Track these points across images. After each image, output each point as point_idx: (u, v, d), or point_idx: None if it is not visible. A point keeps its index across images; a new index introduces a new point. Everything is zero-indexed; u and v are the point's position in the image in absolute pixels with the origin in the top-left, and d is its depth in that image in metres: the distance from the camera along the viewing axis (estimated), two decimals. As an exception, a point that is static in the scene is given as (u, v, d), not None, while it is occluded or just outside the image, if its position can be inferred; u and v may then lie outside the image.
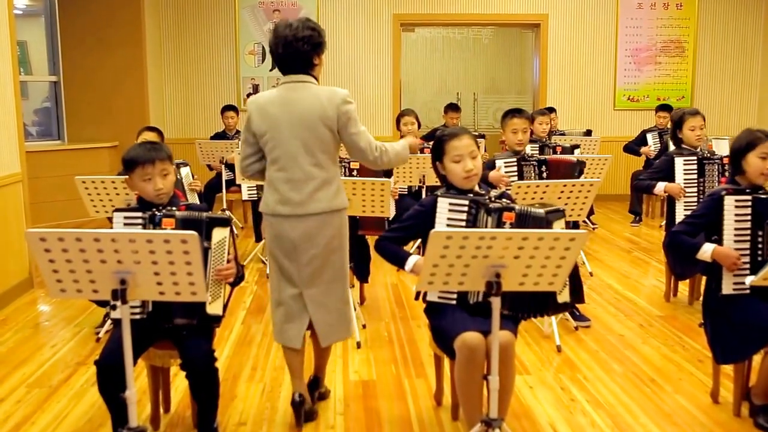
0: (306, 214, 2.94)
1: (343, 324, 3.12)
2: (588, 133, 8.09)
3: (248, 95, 9.04)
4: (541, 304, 2.77)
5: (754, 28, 9.34)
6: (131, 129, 7.81)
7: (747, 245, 3.07)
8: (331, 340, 3.13)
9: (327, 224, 2.96)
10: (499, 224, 2.74)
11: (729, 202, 3.08)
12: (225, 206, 6.83)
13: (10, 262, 5.09)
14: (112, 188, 4.13)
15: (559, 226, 2.70)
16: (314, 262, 2.98)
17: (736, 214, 3.08)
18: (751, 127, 3.26)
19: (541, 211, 2.72)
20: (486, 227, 2.75)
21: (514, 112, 4.44)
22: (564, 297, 2.78)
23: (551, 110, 8.06)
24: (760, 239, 3.06)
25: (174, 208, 2.80)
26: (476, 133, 6.68)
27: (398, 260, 2.89)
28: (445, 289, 2.72)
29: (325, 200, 2.96)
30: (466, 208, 2.80)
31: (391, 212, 4.25)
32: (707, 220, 3.16)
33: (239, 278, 2.89)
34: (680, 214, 4.37)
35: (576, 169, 4.38)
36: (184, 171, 4.97)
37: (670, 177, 4.56)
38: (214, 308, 2.78)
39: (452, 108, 7.96)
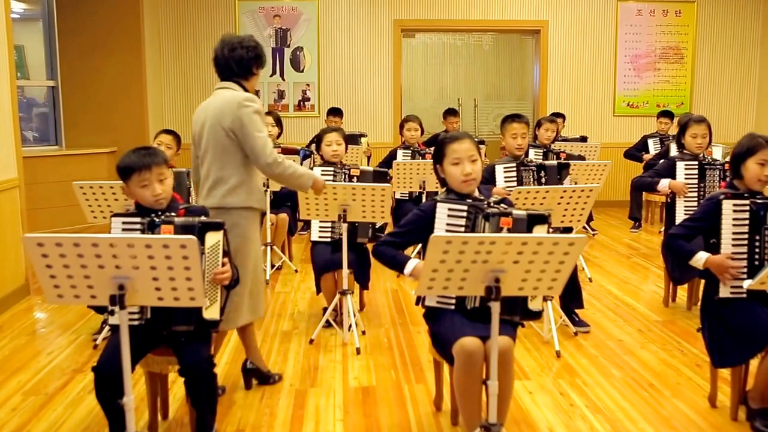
0: (207, 206, 3.23)
1: (235, 313, 3.31)
2: (583, 138, 8.08)
3: (248, 101, 9.06)
4: (510, 308, 2.73)
5: (752, 35, 9.37)
6: (130, 135, 7.87)
7: (744, 249, 3.07)
8: (225, 327, 3.33)
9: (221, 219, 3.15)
10: (497, 229, 2.74)
11: (727, 206, 3.08)
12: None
13: (7, 269, 5.08)
14: (111, 194, 4.12)
15: (540, 231, 2.69)
16: None
17: (734, 219, 3.08)
18: (753, 133, 3.26)
19: (523, 213, 2.72)
20: (484, 232, 2.74)
21: (514, 117, 4.45)
22: (536, 305, 2.77)
23: (560, 116, 8.09)
24: (757, 243, 3.06)
25: (173, 214, 2.79)
26: (476, 139, 6.70)
27: (397, 264, 2.88)
28: (444, 294, 2.71)
29: (216, 197, 3.26)
30: (465, 214, 2.80)
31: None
32: (705, 224, 3.17)
33: (235, 281, 2.89)
34: (680, 220, 4.36)
35: (558, 172, 4.40)
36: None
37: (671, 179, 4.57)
38: (210, 313, 2.77)
39: (450, 113, 7.98)
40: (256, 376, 3.57)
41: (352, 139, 6.99)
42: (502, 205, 2.82)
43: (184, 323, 2.75)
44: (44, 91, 8.00)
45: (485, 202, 2.82)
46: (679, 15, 9.26)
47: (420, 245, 5.45)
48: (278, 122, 6.49)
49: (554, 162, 4.51)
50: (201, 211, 2.93)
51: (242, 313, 3.37)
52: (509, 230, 2.72)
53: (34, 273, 2.21)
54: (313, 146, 6.04)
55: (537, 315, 2.82)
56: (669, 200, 4.65)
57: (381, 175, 4.57)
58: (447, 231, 2.79)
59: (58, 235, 2.09)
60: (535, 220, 2.71)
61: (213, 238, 2.75)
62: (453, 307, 2.80)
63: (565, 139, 7.82)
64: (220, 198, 3.26)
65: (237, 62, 3.38)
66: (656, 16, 9.26)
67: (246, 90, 3.40)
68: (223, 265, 2.78)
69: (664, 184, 4.52)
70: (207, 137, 3.30)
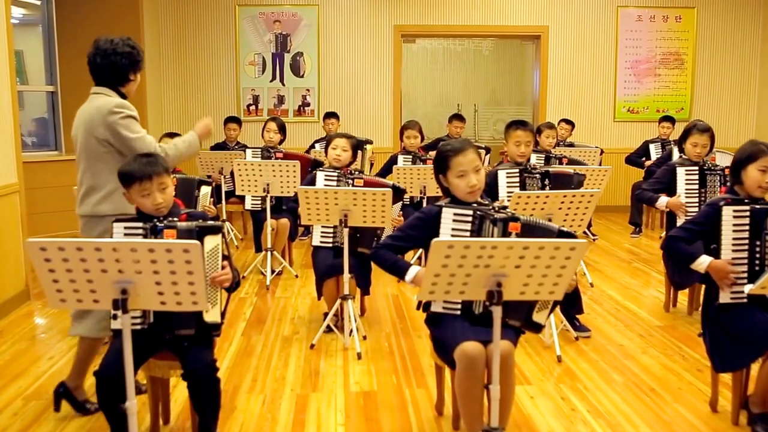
0: (78, 215, 3.27)
1: (86, 320, 3.23)
2: (570, 144, 8.01)
3: (248, 106, 9.08)
4: (516, 312, 2.76)
5: (752, 40, 9.38)
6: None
7: (745, 255, 3.08)
8: (73, 331, 3.29)
9: (92, 228, 3.20)
10: (505, 234, 2.75)
11: (727, 212, 3.09)
12: (225, 217, 6.84)
13: (7, 274, 5.07)
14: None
15: None
16: None
17: (735, 224, 3.09)
18: (755, 140, 3.27)
19: (555, 226, 2.74)
20: (492, 237, 2.75)
21: (518, 124, 4.39)
22: (540, 318, 2.78)
23: (569, 122, 8.09)
24: (757, 249, 3.07)
25: (175, 219, 2.80)
26: (482, 147, 6.70)
27: (398, 270, 2.85)
28: (446, 299, 2.72)
29: (89, 205, 3.22)
30: (470, 218, 2.80)
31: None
32: (705, 229, 3.18)
33: (235, 284, 2.88)
34: (680, 222, 4.38)
35: (574, 182, 4.37)
36: (204, 190, 4.88)
37: (671, 186, 4.58)
38: (211, 316, 2.77)
39: (457, 118, 7.96)
40: (69, 399, 3.34)
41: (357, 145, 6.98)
42: (507, 210, 2.83)
43: (186, 327, 2.75)
44: (43, 96, 8.01)
45: (491, 207, 2.82)
46: (679, 21, 9.28)
47: (420, 250, 5.50)
48: (282, 129, 6.50)
49: (570, 171, 4.47)
50: (202, 215, 2.93)
51: (94, 324, 3.23)
52: (518, 235, 2.72)
53: (35, 278, 2.21)
54: (319, 146, 6.04)
55: (539, 328, 2.83)
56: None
57: (398, 192, 4.39)
58: (452, 236, 2.79)
59: (61, 239, 2.09)
60: (563, 234, 2.72)
61: (212, 241, 2.75)
62: (459, 312, 2.80)
63: (572, 145, 7.82)
64: (92, 206, 3.20)
65: (110, 69, 3.25)
66: (656, 21, 9.28)
67: (123, 95, 3.32)
68: (223, 267, 2.78)
69: (662, 202, 4.53)
70: (81, 145, 3.24)
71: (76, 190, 3.30)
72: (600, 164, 7.19)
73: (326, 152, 4.70)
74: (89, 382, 3.61)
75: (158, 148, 3.21)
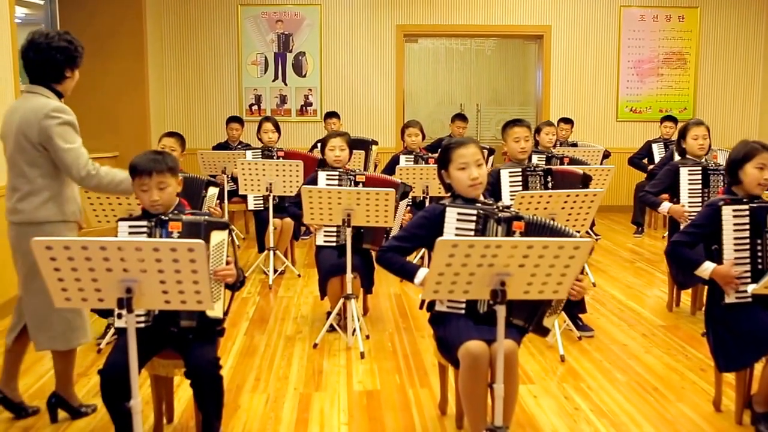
0: (12, 222, 3.08)
1: (48, 333, 3.10)
2: (573, 144, 8.03)
3: (250, 106, 9.09)
4: (522, 312, 2.79)
5: (756, 40, 9.37)
6: (132, 140, 7.88)
7: (747, 254, 3.08)
8: (39, 347, 3.17)
9: (29, 235, 2.78)
10: (509, 233, 2.75)
11: (727, 212, 3.10)
12: (227, 217, 6.84)
13: (10, 273, 5.06)
14: (115, 198, 4.14)
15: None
16: (21, 270, 3.11)
17: (735, 224, 3.09)
18: (747, 139, 3.30)
19: (560, 225, 2.76)
20: (496, 236, 2.75)
21: (515, 122, 4.44)
22: (549, 323, 2.79)
23: (568, 121, 8.09)
24: (759, 248, 3.07)
25: (180, 214, 2.82)
26: (486, 147, 6.70)
27: (406, 273, 2.85)
28: (450, 298, 2.72)
29: (26, 212, 3.02)
30: (474, 218, 2.80)
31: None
32: (707, 230, 3.18)
33: (240, 283, 2.89)
34: (683, 226, 4.37)
35: (580, 182, 4.38)
36: (212, 191, 4.80)
37: (674, 187, 4.58)
38: (213, 311, 2.78)
39: (459, 117, 7.96)
40: (65, 408, 3.27)
41: (361, 144, 6.99)
42: (511, 210, 2.83)
43: (188, 319, 2.77)
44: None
45: (495, 207, 2.83)
46: (682, 20, 9.28)
47: (423, 250, 5.50)
48: (276, 127, 6.50)
49: (578, 171, 4.47)
50: (206, 214, 2.94)
51: (58, 335, 3.12)
52: (522, 234, 2.73)
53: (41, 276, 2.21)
54: (318, 149, 6.05)
55: (546, 332, 2.85)
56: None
57: (404, 191, 4.37)
58: (456, 235, 2.79)
59: (66, 238, 2.10)
60: (566, 233, 2.75)
61: (218, 236, 2.77)
62: (463, 311, 2.80)
63: (575, 144, 7.82)
64: (30, 212, 3.01)
65: (45, 65, 3.01)
66: (659, 21, 9.27)
67: (59, 93, 3.09)
68: (228, 263, 2.79)
69: (664, 207, 4.53)
70: (13, 147, 3.03)
71: (8, 194, 3.08)
72: (601, 163, 7.19)
73: (323, 153, 4.69)
74: (93, 381, 3.62)
75: (89, 165, 3.00)
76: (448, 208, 2.84)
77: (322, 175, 4.56)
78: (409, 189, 4.45)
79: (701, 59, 9.36)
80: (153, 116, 8.39)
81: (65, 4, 7.86)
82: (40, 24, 7.99)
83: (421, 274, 2.78)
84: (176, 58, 8.98)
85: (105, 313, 3.83)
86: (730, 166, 3.23)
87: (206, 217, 2.80)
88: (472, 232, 2.79)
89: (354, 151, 6.75)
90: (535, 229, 2.77)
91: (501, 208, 2.82)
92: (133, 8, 8.08)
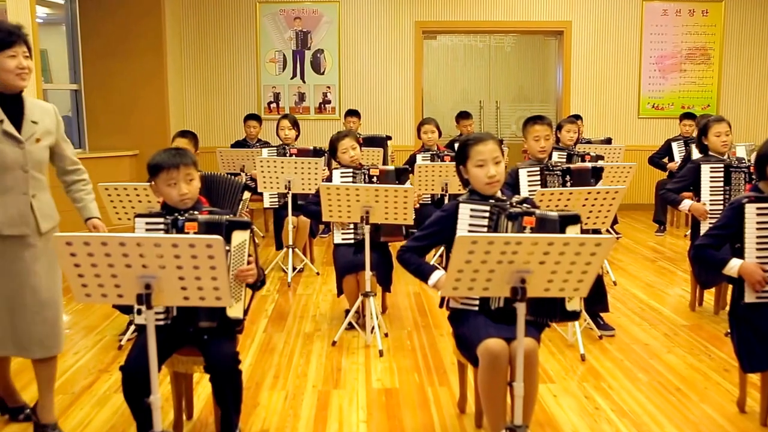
0: None
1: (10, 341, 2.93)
2: (608, 141, 8.02)
3: (269, 104, 9.11)
4: (549, 310, 2.73)
5: (781, 34, 9.24)
6: (152, 137, 7.92)
7: (772, 253, 3.02)
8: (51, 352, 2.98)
9: None
10: (520, 229, 2.72)
11: (750, 210, 3.04)
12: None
13: None
14: (135, 195, 4.16)
15: (572, 232, 2.67)
16: None
17: (758, 222, 3.03)
18: None
19: (555, 214, 2.70)
20: (507, 232, 2.73)
21: (536, 119, 4.37)
22: (573, 305, 2.73)
23: (577, 117, 8.02)
24: (785, 247, 3.01)
25: (196, 213, 2.81)
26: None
27: (421, 274, 2.87)
28: (469, 295, 2.70)
29: None
30: (487, 214, 2.78)
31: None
32: (730, 231, 3.12)
33: (261, 282, 2.89)
34: (705, 224, 4.32)
35: (591, 176, 4.32)
36: (246, 195, 4.77)
37: (695, 185, 4.51)
38: (234, 311, 2.77)
39: (463, 116, 7.87)
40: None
41: (377, 142, 6.98)
42: (525, 205, 2.80)
43: (209, 319, 2.75)
44: (67, 95, 8.09)
45: (508, 203, 2.80)
46: (705, 15, 9.16)
47: (441, 248, 5.48)
48: (295, 124, 6.50)
49: (588, 165, 4.42)
50: (225, 212, 2.94)
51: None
52: (532, 230, 2.69)
53: (62, 272, 2.21)
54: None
55: (575, 316, 2.79)
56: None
57: (403, 172, 4.54)
58: (469, 231, 2.77)
59: (87, 234, 2.11)
60: (567, 220, 2.68)
61: (240, 237, 2.76)
62: (477, 308, 2.78)
63: (589, 141, 7.75)
64: None
65: None
66: (682, 16, 9.16)
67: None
68: (249, 263, 2.78)
69: (685, 205, 4.47)
70: None
71: None
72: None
73: (334, 157, 4.68)
74: (114, 377, 3.65)
75: None
76: (461, 204, 2.82)
77: (336, 173, 4.56)
78: (406, 170, 4.62)
79: (725, 54, 9.23)
80: (172, 115, 8.43)
81: (85, 3, 7.94)
82: (60, 24, 8.08)
83: (435, 276, 2.80)
84: (195, 57, 9.02)
85: (126, 309, 3.85)
86: (759, 161, 3.16)
87: (228, 216, 2.79)
88: (485, 228, 2.77)
89: (372, 148, 6.82)
90: (543, 224, 2.72)
91: (514, 203, 2.79)
92: (152, 7, 8.12)
